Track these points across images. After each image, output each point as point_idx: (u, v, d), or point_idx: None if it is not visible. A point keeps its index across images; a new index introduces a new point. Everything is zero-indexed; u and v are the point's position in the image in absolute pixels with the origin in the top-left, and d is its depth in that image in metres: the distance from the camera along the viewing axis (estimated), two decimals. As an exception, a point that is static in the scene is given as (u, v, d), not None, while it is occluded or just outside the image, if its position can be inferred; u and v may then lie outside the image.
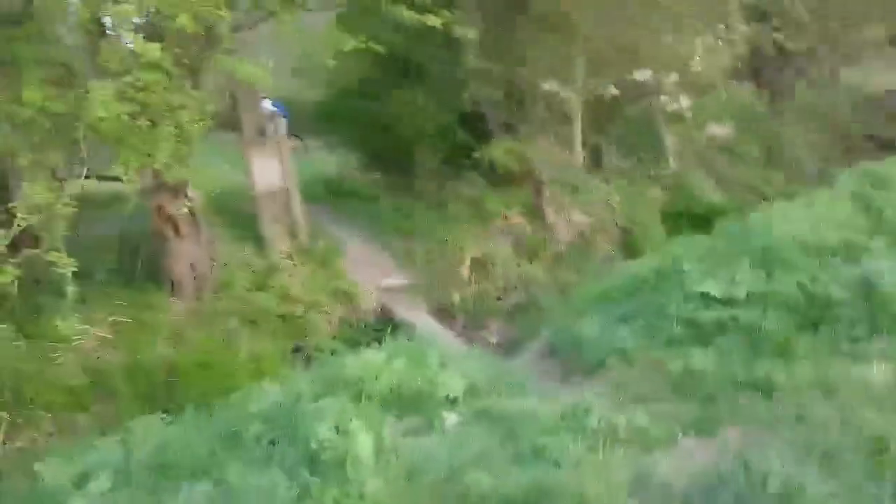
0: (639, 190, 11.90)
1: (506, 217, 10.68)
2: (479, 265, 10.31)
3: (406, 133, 11.35)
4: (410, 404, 4.68)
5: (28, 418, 7.53)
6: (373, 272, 10.32)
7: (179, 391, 7.93)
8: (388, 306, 9.63)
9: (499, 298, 10.17)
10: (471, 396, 4.61)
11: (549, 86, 9.41)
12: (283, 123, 10.29)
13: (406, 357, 5.18)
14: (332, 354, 8.68)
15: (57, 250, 5.72)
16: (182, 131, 5.46)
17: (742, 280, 5.35)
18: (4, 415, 7.41)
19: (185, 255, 9.18)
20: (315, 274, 9.74)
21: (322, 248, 10.41)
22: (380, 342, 9.16)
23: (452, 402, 4.54)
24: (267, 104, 10.28)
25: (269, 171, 10.14)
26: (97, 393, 7.93)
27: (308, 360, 8.80)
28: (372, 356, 5.00)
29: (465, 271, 10.17)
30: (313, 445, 4.02)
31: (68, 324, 6.41)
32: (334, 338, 9.16)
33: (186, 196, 9.08)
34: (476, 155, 10.48)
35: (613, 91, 9.36)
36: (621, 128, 12.01)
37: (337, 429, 4.22)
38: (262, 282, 9.36)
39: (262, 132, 10.03)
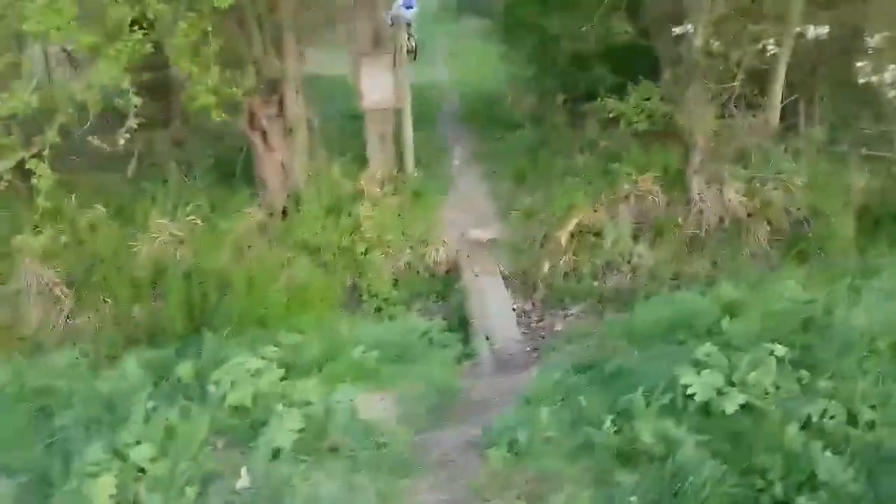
0: (838, 173, 9.05)
1: (636, 180, 8.79)
2: (584, 234, 8.73)
3: (543, 60, 9.75)
4: (247, 433, 3.94)
5: (91, 300, 8.10)
6: (467, 217, 9.30)
7: (225, 306, 7.91)
8: (460, 262, 8.64)
9: (596, 278, 8.59)
10: (298, 449, 3.71)
11: (679, 29, 7.17)
12: (406, 35, 9.31)
13: (290, 366, 4.38)
14: (384, 301, 8.11)
15: (41, 159, 5.67)
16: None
17: (756, 384, 3.60)
18: (70, 292, 8.06)
19: (273, 166, 9.00)
20: (401, 208, 9.00)
21: (422, 180, 9.59)
22: (443, 298, 8.39)
23: (274, 454, 3.69)
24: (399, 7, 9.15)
25: (380, 85, 9.37)
26: (156, 290, 8.23)
27: (360, 302, 8.31)
28: (248, 360, 4.25)
29: (564, 237, 8.69)
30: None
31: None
32: (395, 283, 8.48)
33: (280, 104, 8.75)
34: (597, 102, 8.64)
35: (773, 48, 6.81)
36: (828, 90, 9.05)
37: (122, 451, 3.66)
38: (341, 207, 8.87)
39: (377, 42, 9.20)
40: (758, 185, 8.89)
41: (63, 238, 8.28)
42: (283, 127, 8.85)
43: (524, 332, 7.71)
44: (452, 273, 8.66)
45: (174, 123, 10.47)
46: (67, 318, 7.98)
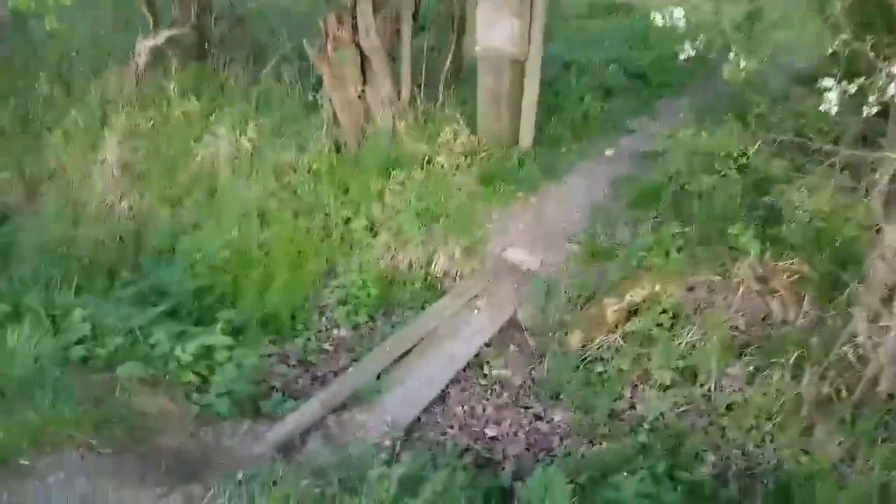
0: None
1: (754, 265, 5.00)
2: (650, 316, 5.41)
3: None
4: None
5: (138, 189, 8.10)
6: (532, 230, 6.65)
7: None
8: (457, 283, 6.26)
9: (633, 391, 5.31)
10: None
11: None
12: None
13: None
14: (355, 298, 6.37)
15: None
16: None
17: None
18: (125, 175, 8.18)
19: (339, 99, 7.61)
20: (454, 191, 6.84)
21: (515, 163, 7.15)
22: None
23: None
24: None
25: (499, 28, 7.07)
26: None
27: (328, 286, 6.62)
28: None
29: (614, 309, 5.52)
30: None
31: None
32: (390, 283, 6.54)
33: (354, 27, 7.21)
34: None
35: None
36: None
37: None
38: (391, 164, 7.12)
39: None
40: None
41: (151, 122, 8.45)
42: (358, 57, 7.31)
43: (449, 427, 5.21)
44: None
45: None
46: (120, 199, 8.13)
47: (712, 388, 5.05)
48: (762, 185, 5.31)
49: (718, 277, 5.27)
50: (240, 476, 3.72)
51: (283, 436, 4.55)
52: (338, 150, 7.66)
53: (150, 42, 9.02)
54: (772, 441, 4.74)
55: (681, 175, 5.92)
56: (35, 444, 3.64)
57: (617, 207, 6.65)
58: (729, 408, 4.93)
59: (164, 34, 9.04)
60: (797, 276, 4.91)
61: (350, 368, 5.35)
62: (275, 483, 3.48)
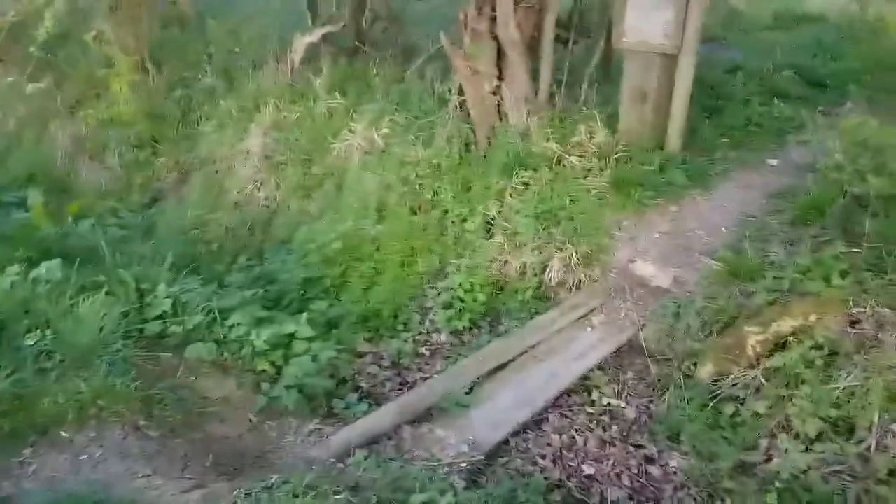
0: None
1: None
2: (802, 349, 4.43)
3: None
4: None
5: (275, 178, 8.26)
6: (664, 244, 5.82)
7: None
8: (578, 291, 5.58)
9: (770, 441, 4.35)
10: None
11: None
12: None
13: None
14: (460, 301, 5.97)
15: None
16: None
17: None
18: (265, 164, 8.36)
19: (473, 93, 7.22)
20: (589, 191, 6.20)
21: (657, 169, 6.37)
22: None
23: None
24: None
25: (652, 18, 6.36)
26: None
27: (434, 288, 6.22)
28: None
29: (757, 340, 4.58)
30: None
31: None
32: (500, 289, 6.04)
33: (494, 19, 6.83)
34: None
35: None
36: None
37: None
38: (518, 164, 6.62)
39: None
40: None
41: (297, 115, 8.61)
42: (492, 50, 6.91)
43: (540, 457, 4.55)
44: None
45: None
46: (258, 188, 8.34)
47: (872, 446, 3.99)
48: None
49: (890, 311, 4.18)
50: (272, 480, 3.38)
51: (350, 441, 4.17)
52: (466, 147, 7.29)
53: (307, 38, 9.25)
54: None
55: (842, 171, 4.84)
56: (80, 418, 3.53)
57: (773, 223, 5.63)
58: (892, 474, 3.86)
59: (319, 31, 9.25)
60: None
61: (437, 375, 4.88)
62: (296, 495, 3.07)
